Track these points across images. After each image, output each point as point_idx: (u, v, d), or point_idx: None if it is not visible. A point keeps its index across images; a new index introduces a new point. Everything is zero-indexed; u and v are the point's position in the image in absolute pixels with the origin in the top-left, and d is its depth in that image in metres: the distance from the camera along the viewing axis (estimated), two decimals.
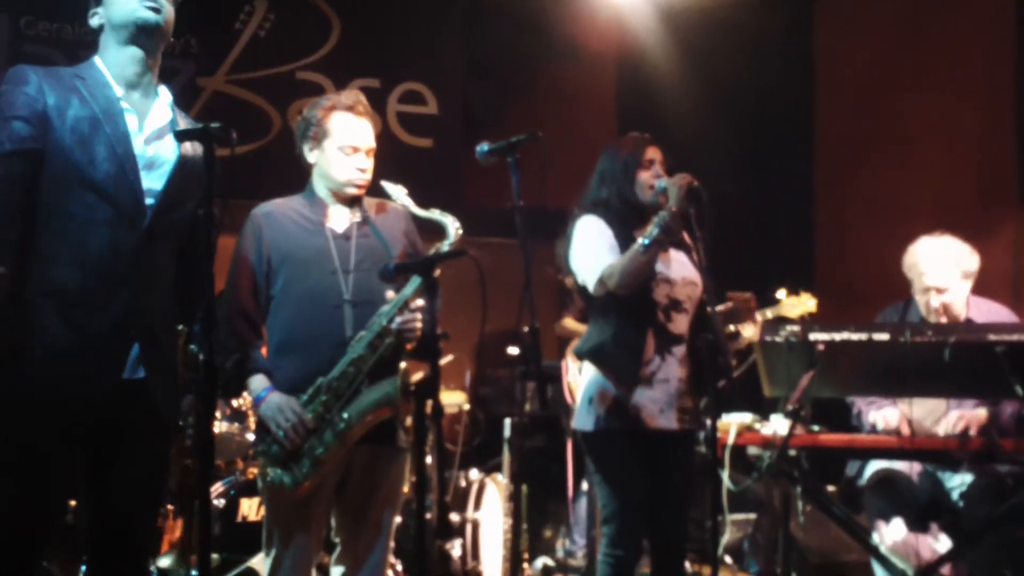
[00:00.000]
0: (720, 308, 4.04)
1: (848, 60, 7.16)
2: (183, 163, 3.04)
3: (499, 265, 3.49)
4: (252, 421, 4.81)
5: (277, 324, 3.63)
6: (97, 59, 3.06)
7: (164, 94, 3.14)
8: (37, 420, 2.84)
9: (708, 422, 3.72)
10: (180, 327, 3.11)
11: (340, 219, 3.67)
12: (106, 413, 2.92)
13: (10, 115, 2.91)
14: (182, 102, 5.96)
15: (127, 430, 2.97)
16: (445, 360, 5.05)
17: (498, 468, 5.64)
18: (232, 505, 4.54)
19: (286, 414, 3.46)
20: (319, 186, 3.70)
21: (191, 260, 3.09)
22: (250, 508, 4.50)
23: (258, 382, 3.55)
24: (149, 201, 2.98)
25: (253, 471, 4.58)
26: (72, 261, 2.89)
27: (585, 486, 5.83)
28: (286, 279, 3.61)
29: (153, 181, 3.00)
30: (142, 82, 3.07)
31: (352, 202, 3.68)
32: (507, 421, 5.32)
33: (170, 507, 4.54)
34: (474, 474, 5.41)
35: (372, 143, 3.68)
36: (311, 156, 3.69)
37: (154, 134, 3.05)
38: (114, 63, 3.04)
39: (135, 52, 3.04)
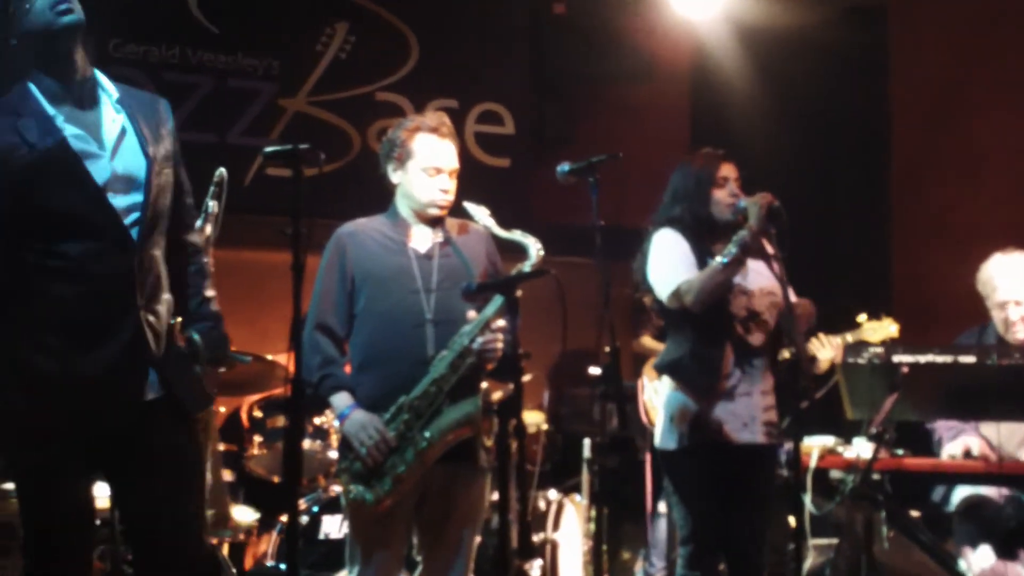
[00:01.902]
0: None
1: (923, 77, 7.06)
2: (153, 164, 2.87)
3: (572, 284, 3.50)
4: (334, 439, 4.85)
5: (360, 342, 3.67)
6: (30, 82, 2.83)
7: (106, 93, 2.92)
8: (59, 448, 2.79)
9: (790, 444, 3.69)
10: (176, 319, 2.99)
11: (422, 239, 3.70)
12: (132, 431, 2.85)
13: None
14: (263, 123, 6.16)
15: (155, 439, 2.88)
16: (524, 379, 5.05)
17: (576, 488, 5.63)
18: (314, 522, 4.58)
19: (369, 432, 3.49)
20: (402, 206, 3.74)
21: (177, 245, 3.02)
22: (332, 525, 4.54)
23: (342, 399, 3.59)
24: (135, 216, 2.84)
25: (335, 488, 4.62)
26: (74, 297, 2.78)
27: (663, 507, 5.79)
28: (369, 298, 3.65)
29: (131, 196, 2.84)
30: (78, 91, 2.86)
31: (434, 222, 3.72)
32: (586, 441, 5.31)
33: (254, 523, 4.61)
34: (552, 494, 5.41)
35: (455, 164, 3.71)
36: (395, 177, 3.73)
37: (115, 147, 2.86)
38: (42, 85, 2.82)
39: (62, 60, 2.82)
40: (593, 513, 4.99)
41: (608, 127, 7.05)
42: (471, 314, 3.58)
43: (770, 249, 3.91)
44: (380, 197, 3.82)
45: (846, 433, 4.38)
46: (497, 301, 3.52)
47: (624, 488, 5.88)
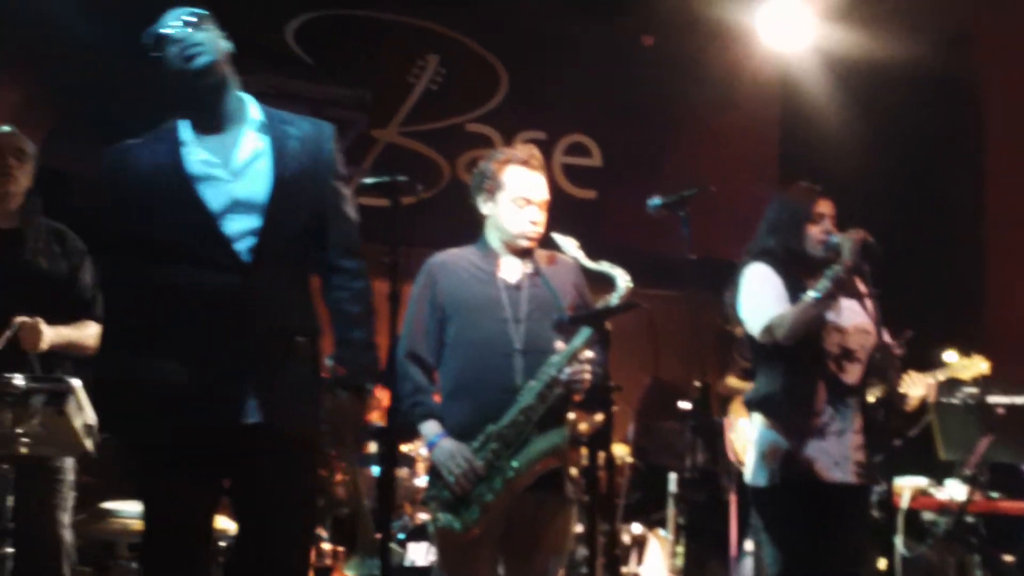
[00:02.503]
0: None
1: (1017, 105, 6.93)
2: (281, 187, 2.92)
3: (658, 316, 3.50)
4: (420, 466, 4.89)
5: (449, 371, 3.70)
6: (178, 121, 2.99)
7: (249, 118, 3.00)
8: (168, 466, 2.85)
9: (882, 485, 3.64)
10: (304, 338, 2.96)
11: (512, 270, 3.73)
12: (240, 450, 2.88)
13: (108, 205, 2.94)
14: (355, 153, 6.26)
15: (263, 462, 2.90)
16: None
17: (660, 522, 5.59)
18: (389, 548, 4.60)
19: (457, 460, 3.52)
20: (492, 237, 3.78)
21: (328, 269, 3.03)
22: (418, 553, 4.57)
23: (431, 427, 3.62)
24: (252, 240, 2.89)
25: (421, 516, 4.65)
26: (179, 319, 2.85)
27: (749, 546, 5.72)
28: (458, 327, 3.68)
29: (250, 219, 2.90)
30: (219, 119, 2.96)
31: (524, 253, 3.74)
32: (672, 475, 5.28)
33: (339, 548, 4.66)
34: (636, 528, 5.38)
35: (545, 196, 3.74)
36: (485, 208, 3.77)
37: (243, 170, 2.93)
38: (189, 112, 2.97)
39: (195, 95, 2.93)
40: (680, 548, 4.95)
41: (696, 158, 7.04)
42: (559, 344, 3.59)
43: (863, 287, 3.87)
44: (469, 227, 3.86)
45: (939, 474, 4.31)
46: (586, 332, 3.53)
47: (710, 524, 5.83)
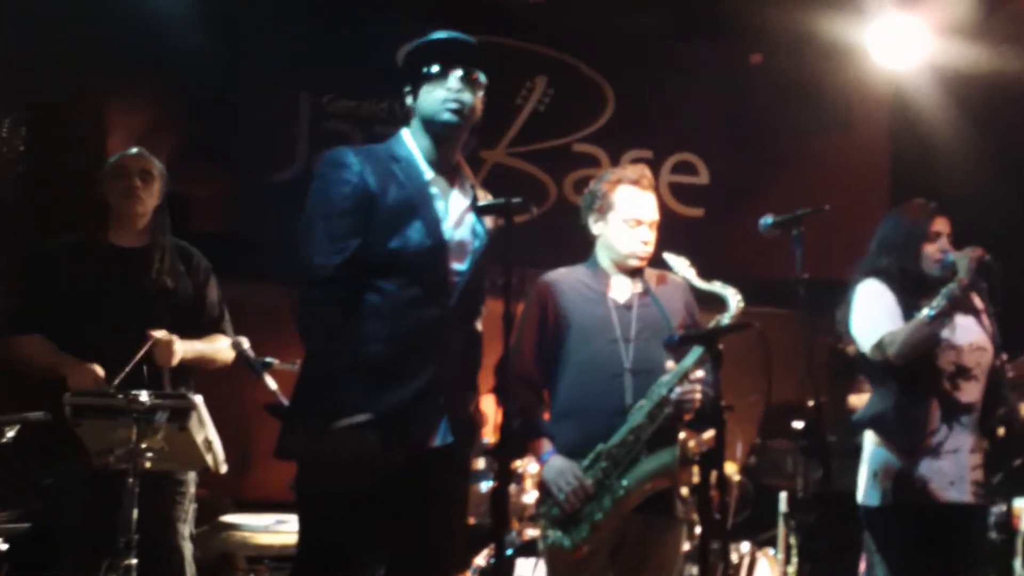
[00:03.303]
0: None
1: None
2: (484, 247, 3.14)
3: (769, 335, 3.47)
4: (528, 483, 4.92)
5: (559, 390, 3.73)
6: (406, 134, 3.16)
7: (465, 176, 3.23)
8: (347, 484, 2.91)
9: (1001, 506, 3.56)
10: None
11: (622, 289, 3.75)
12: (415, 475, 2.98)
13: (334, 211, 3.01)
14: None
15: (433, 488, 3.03)
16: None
17: (769, 542, 5.53)
18: (509, 565, 4.64)
19: (567, 478, 3.54)
20: (602, 257, 3.80)
21: (470, 328, 3.19)
22: (527, 568, 4.59)
23: (541, 445, 3.65)
24: (457, 280, 3.08)
25: (529, 532, 4.68)
26: (383, 339, 2.97)
27: (862, 567, 5.63)
28: (568, 347, 3.71)
29: (458, 263, 3.09)
30: (446, 166, 3.17)
31: (634, 273, 3.76)
32: (782, 495, 5.22)
33: None
34: (745, 547, 5.33)
35: (655, 216, 3.75)
36: (595, 228, 3.79)
37: (458, 218, 3.13)
38: (421, 144, 3.14)
39: (439, 142, 3.14)
40: (791, 569, 4.89)
41: (804, 177, 6.96)
42: (669, 364, 3.60)
43: (980, 304, 3.80)
44: (576, 246, 3.89)
45: None
46: (696, 352, 3.53)
47: (822, 544, 5.74)
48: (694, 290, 3.76)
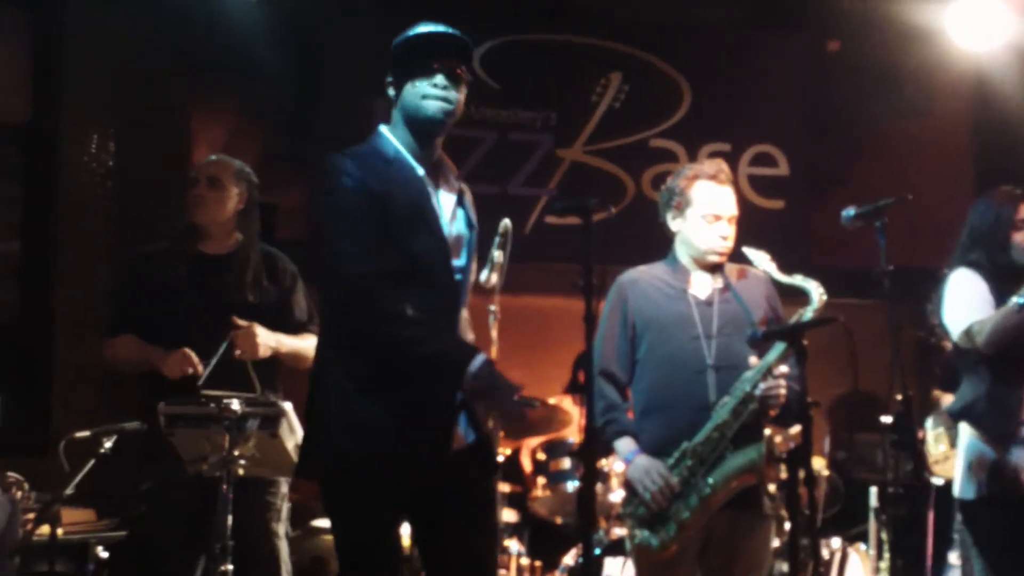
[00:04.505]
0: None
1: None
2: (474, 239, 3.11)
3: (852, 327, 3.43)
4: (614, 481, 4.93)
5: (641, 388, 3.73)
6: (386, 131, 3.08)
7: (448, 167, 3.15)
8: (379, 492, 2.92)
9: None
10: None
11: (702, 285, 3.74)
12: (443, 478, 2.95)
13: (357, 219, 2.93)
14: (542, 173, 6.36)
15: (463, 487, 2.99)
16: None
17: (860, 537, 5.46)
18: (597, 565, 4.65)
19: (653, 477, 3.54)
20: (681, 253, 3.79)
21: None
22: (615, 568, 4.60)
23: (626, 444, 3.66)
24: (458, 276, 3.05)
25: (616, 531, 4.69)
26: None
27: (952, 558, 5.53)
28: (650, 344, 3.71)
29: (457, 259, 3.05)
30: (430, 160, 3.09)
31: (714, 268, 3.74)
32: (872, 489, 5.16)
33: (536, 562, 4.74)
34: (835, 542, 5.27)
35: (734, 211, 3.73)
36: (674, 224, 3.78)
37: (451, 212, 3.08)
38: (404, 141, 3.06)
39: (422, 138, 3.06)
40: (883, 564, 4.83)
41: (886, 164, 6.85)
42: (752, 360, 3.57)
43: None
44: (654, 243, 3.88)
45: None
46: (780, 347, 3.50)
47: (911, 538, 5.65)
48: (776, 283, 3.73)
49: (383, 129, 3.09)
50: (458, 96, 3.03)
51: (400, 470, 2.91)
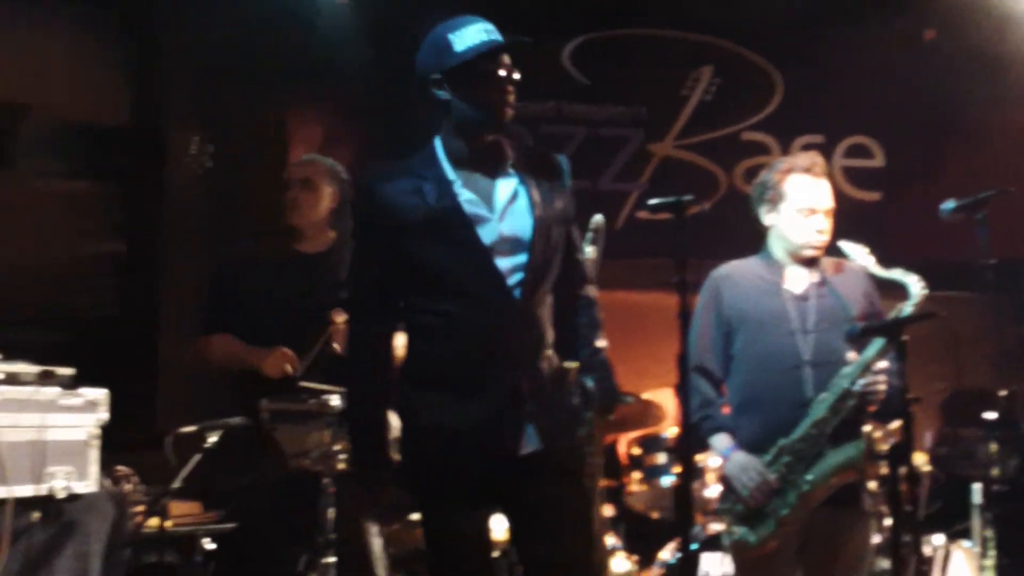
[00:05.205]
0: None
1: None
2: (539, 225, 2.92)
3: (953, 321, 3.38)
4: (709, 477, 4.90)
5: (737, 384, 3.72)
6: (439, 142, 2.96)
7: (505, 154, 2.98)
8: (449, 492, 2.90)
9: None
10: (572, 364, 3.01)
11: (798, 280, 3.70)
12: (512, 484, 2.90)
13: (368, 258, 2.94)
14: (632, 169, 6.35)
15: (533, 493, 2.91)
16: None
17: (963, 534, 5.36)
18: (694, 560, 4.64)
19: (750, 474, 3.53)
20: (776, 248, 3.76)
21: (569, 300, 3.06)
22: (712, 563, 4.58)
23: (722, 441, 3.65)
24: (519, 276, 2.89)
25: (713, 527, 4.67)
26: (453, 354, 2.87)
27: None
28: (745, 340, 3.69)
29: (516, 256, 2.90)
30: (485, 161, 2.95)
31: (810, 263, 3.71)
32: (975, 486, 5.05)
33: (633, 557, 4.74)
34: (938, 539, 5.18)
35: (830, 204, 3.69)
36: (768, 219, 3.75)
37: (505, 209, 2.93)
38: (453, 147, 2.94)
39: (475, 143, 2.92)
40: (988, 562, 4.74)
41: (985, 153, 6.69)
42: (851, 355, 3.54)
43: None
44: (747, 237, 3.86)
45: None
46: (879, 342, 3.46)
47: (1020, 536, 5.53)
48: (874, 277, 3.68)
49: (436, 141, 2.97)
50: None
51: (462, 476, 2.88)
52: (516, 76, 2.91)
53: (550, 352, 2.97)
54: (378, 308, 2.95)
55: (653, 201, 3.07)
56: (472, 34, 2.88)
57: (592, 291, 3.15)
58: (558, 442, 2.91)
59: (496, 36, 2.90)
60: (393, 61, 6.19)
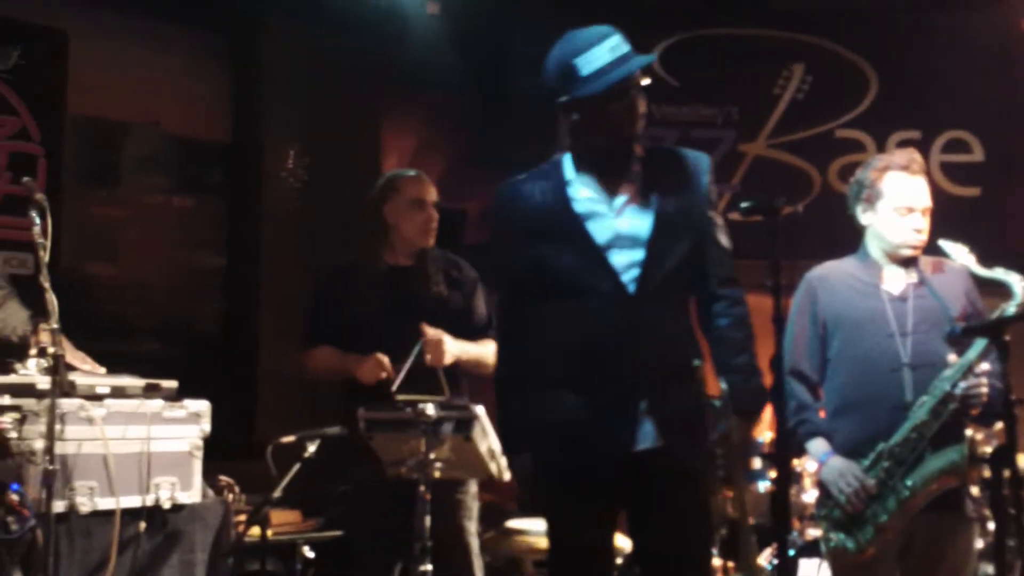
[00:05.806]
0: None
1: None
2: (661, 220, 2.96)
3: None
4: (806, 482, 4.86)
5: (834, 387, 3.66)
6: (567, 159, 3.06)
7: (633, 155, 3.02)
8: (568, 489, 2.96)
9: None
10: (698, 362, 3.02)
11: (896, 280, 3.64)
12: (635, 476, 2.93)
13: (505, 245, 3.11)
14: (725, 169, 6.31)
15: (659, 486, 2.94)
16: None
17: None
18: (792, 566, 4.59)
19: (847, 479, 3.47)
20: (873, 247, 3.70)
21: (708, 298, 3.06)
22: (810, 569, 4.53)
23: (819, 445, 3.60)
24: (635, 272, 2.94)
25: (810, 532, 4.62)
26: (569, 350, 2.95)
27: None
28: (842, 342, 3.63)
29: (634, 252, 2.95)
30: (611, 162, 3.02)
31: (907, 263, 3.64)
32: None
33: (729, 563, 4.71)
34: None
35: (927, 202, 3.62)
36: (864, 218, 3.69)
37: (624, 206, 2.99)
38: (580, 152, 3.03)
39: (603, 164, 3.01)
40: None
41: None
42: (952, 357, 3.47)
43: None
44: (843, 237, 3.80)
45: None
46: (981, 344, 3.38)
47: None
48: (975, 276, 3.60)
49: (566, 159, 3.06)
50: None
51: (579, 472, 2.93)
52: (645, 82, 2.95)
53: (671, 350, 2.98)
54: (519, 299, 3.11)
55: (744, 204, 3.05)
56: (599, 55, 2.90)
57: (733, 290, 3.11)
58: (676, 440, 2.92)
59: (621, 49, 2.92)
60: (483, 71, 6.29)
